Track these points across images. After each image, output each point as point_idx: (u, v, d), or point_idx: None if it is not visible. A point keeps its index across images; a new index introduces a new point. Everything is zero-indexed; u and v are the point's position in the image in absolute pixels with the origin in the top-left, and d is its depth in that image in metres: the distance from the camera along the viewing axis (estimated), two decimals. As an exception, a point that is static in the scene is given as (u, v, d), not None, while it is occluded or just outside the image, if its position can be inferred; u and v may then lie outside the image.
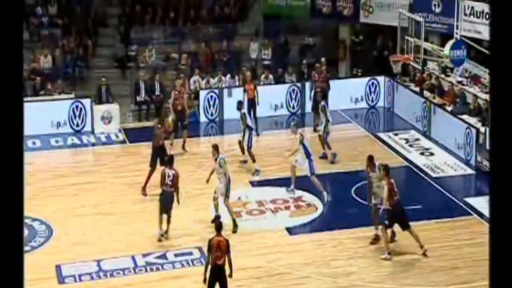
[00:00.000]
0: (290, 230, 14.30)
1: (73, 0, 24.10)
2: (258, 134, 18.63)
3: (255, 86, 19.28)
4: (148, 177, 15.44)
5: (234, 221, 14.06)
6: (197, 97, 20.49)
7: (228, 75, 21.16)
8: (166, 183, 13.50)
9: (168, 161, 13.97)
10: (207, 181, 14.27)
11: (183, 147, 17.94)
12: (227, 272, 11.13)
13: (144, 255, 13.26)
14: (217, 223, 11.61)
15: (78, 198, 15.63)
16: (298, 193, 15.66)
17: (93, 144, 19.14)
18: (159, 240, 13.58)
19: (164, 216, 13.57)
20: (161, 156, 15.41)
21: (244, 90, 19.22)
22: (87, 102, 19.77)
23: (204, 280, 11.12)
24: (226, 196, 13.88)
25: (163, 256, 13.29)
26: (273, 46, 23.33)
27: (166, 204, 13.50)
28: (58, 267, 12.88)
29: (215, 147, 14.16)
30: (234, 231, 13.98)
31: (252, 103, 18.87)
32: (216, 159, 13.98)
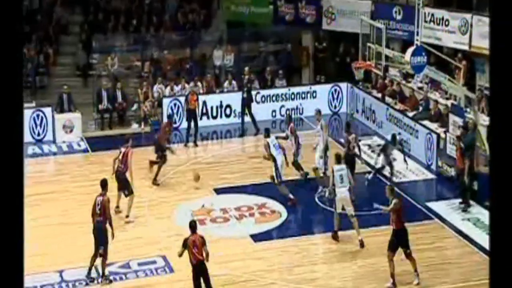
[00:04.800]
0: (255, 237, 14.32)
1: (34, 7, 23.84)
2: (196, 145, 19.00)
3: (197, 97, 19.45)
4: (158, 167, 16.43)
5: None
6: (160, 104, 20.42)
7: (192, 83, 21.14)
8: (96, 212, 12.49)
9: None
10: None
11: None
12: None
13: (108, 265, 13.14)
14: (191, 223, 11.53)
15: (39, 208, 15.42)
16: (263, 200, 15.71)
17: (54, 154, 18.93)
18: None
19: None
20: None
21: (186, 100, 19.37)
22: (48, 111, 19.54)
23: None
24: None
25: (127, 265, 13.19)
26: (236, 53, 23.38)
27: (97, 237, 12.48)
28: (19, 279, 12.68)
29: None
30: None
31: (192, 113, 19.15)
32: None
